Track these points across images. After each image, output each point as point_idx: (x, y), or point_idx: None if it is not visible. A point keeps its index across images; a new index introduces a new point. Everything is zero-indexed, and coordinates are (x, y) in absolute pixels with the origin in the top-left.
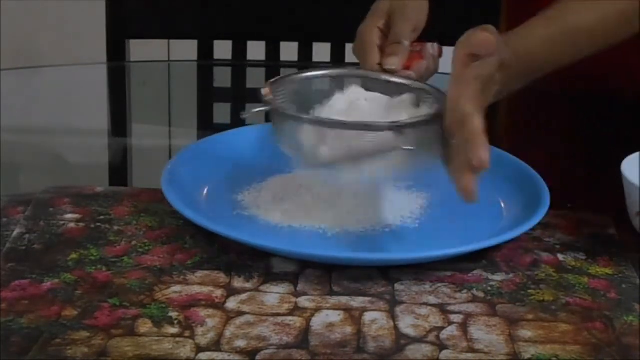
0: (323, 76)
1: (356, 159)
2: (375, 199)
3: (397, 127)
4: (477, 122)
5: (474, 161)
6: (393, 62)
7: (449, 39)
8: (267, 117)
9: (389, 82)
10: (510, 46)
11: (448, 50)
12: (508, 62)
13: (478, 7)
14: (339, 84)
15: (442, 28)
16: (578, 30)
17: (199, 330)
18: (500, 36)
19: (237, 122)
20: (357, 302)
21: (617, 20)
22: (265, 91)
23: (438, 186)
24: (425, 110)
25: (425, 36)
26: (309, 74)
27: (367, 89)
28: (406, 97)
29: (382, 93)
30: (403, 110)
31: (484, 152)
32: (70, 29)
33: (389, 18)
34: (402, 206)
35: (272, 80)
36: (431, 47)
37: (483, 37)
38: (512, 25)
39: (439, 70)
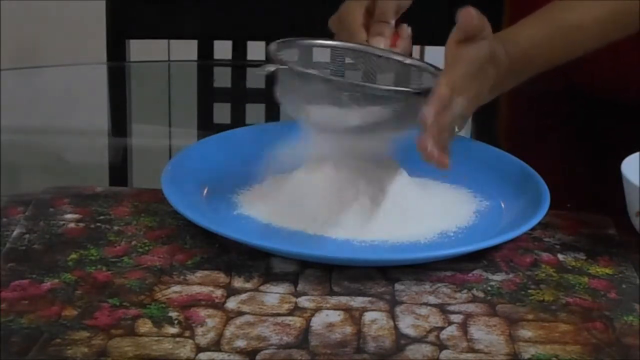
0: (330, 46)
1: (370, 127)
2: (376, 200)
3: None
4: (441, 90)
5: (420, 117)
6: (380, 42)
7: None
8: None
9: (390, 59)
10: (502, 44)
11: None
12: (500, 56)
13: (481, 8)
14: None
15: (444, 30)
16: (571, 29)
17: (199, 330)
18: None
19: (237, 122)
20: (357, 302)
21: (611, 19)
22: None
23: None
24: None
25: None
26: (316, 41)
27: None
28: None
29: (377, 69)
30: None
31: (427, 108)
32: (70, 29)
33: None
34: (403, 207)
35: (278, 41)
36: (406, 28)
37: (466, 13)
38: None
39: None
